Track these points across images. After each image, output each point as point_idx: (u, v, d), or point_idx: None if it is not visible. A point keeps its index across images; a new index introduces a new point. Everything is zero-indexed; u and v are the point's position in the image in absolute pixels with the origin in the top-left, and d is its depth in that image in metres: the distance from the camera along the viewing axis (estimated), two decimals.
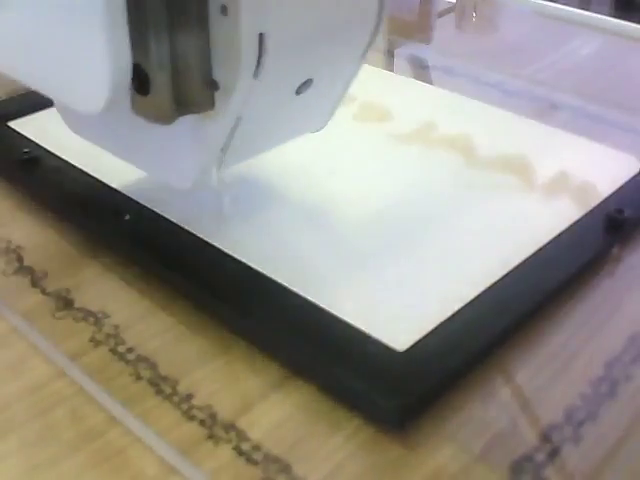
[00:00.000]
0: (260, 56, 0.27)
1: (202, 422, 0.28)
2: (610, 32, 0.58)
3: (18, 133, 0.44)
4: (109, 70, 0.26)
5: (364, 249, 0.35)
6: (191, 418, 0.28)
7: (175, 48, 0.26)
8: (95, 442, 0.27)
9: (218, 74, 0.27)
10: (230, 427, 0.27)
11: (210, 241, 0.35)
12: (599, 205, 0.37)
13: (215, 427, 0.27)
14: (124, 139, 0.34)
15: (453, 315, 0.30)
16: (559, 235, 0.35)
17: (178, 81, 0.27)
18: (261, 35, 0.27)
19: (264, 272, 0.33)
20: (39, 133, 0.43)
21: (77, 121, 0.36)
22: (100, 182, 0.39)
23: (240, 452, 0.26)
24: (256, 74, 0.27)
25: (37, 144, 0.42)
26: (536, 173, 0.40)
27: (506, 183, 0.39)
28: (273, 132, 0.33)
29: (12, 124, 0.45)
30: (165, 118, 0.27)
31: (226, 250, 0.34)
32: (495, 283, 0.32)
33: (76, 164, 0.40)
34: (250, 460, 0.26)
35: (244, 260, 0.33)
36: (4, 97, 0.49)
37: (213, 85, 0.27)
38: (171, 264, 0.34)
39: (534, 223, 0.36)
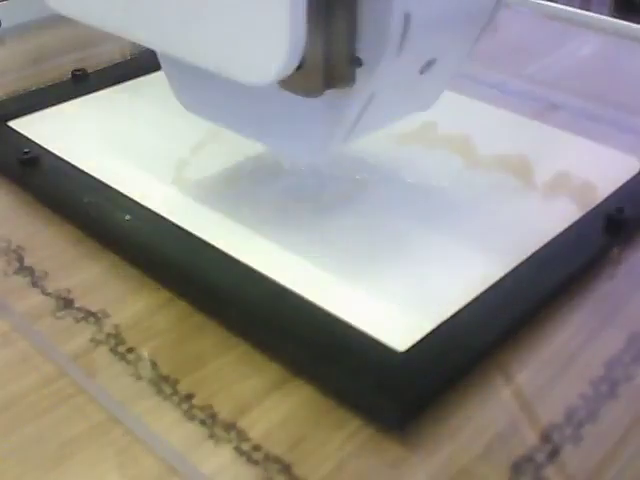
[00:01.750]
0: (404, 35, 0.28)
1: (202, 422, 0.28)
2: (610, 32, 0.58)
3: (18, 133, 0.44)
4: (288, 41, 0.26)
5: (363, 249, 0.35)
6: (191, 418, 0.28)
7: (327, 25, 0.28)
8: (95, 442, 0.27)
9: (362, 51, 0.29)
10: (230, 427, 0.27)
11: (210, 241, 0.35)
12: (599, 205, 0.37)
13: (215, 427, 0.27)
14: (247, 115, 0.35)
15: (453, 315, 0.30)
16: (559, 235, 0.35)
17: (326, 57, 0.28)
18: (407, 15, 0.28)
19: (264, 273, 0.33)
20: (39, 133, 0.43)
21: (192, 97, 0.37)
22: (100, 182, 0.39)
23: (240, 452, 0.26)
24: (398, 53, 0.29)
25: (37, 144, 0.42)
26: (536, 173, 0.40)
27: (506, 183, 0.39)
28: (395, 109, 0.35)
29: (12, 124, 0.45)
30: (314, 92, 0.29)
31: (226, 250, 0.34)
32: (495, 283, 0.32)
33: (76, 164, 0.40)
34: (250, 460, 0.26)
35: (244, 261, 0.33)
36: (4, 97, 0.49)
37: (357, 62, 0.29)
38: (171, 264, 0.34)
39: (534, 223, 0.36)
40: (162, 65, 0.37)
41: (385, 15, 0.27)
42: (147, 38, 0.32)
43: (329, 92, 0.29)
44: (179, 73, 0.37)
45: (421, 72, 0.32)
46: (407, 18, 0.28)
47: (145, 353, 0.30)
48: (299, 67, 0.28)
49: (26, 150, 0.41)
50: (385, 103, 0.32)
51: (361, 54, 0.29)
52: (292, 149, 0.35)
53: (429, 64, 0.32)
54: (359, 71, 0.29)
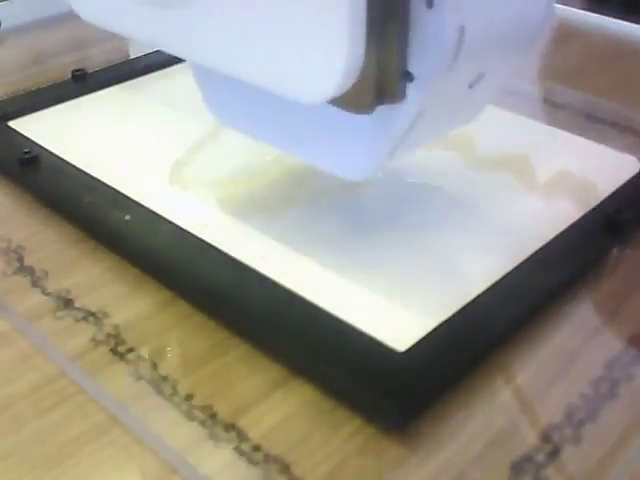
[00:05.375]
0: (459, 49, 0.27)
1: (202, 422, 0.28)
2: (610, 32, 0.58)
3: (18, 133, 0.44)
4: (346, 59, 0.25)
5: (364, 249, 0.35)
6: (191, 418, 0.28)
7: (380, 39, 0.26)
8: (95, 442, 0.27)
9: (414, 66, 0.27)
10: (230, 427, 0.27)
11: (210, 242, 0.35)
12: (599, 205, 0.37)
13: (215, 427, 0.27)
14: (286, 130, 0.33)
15: (453, 315, 0.30)
16: (559, 235, 0.35)
17: (377, 72, 0.27)
18: (461, 28, 0.27)
19: (264, 273, 0.33)
20: (39, 133, 0.43)
21: (226, 108, 0.36)
22: (100, 182, 0.39)
23: (240, 452, 0.26)
24: (451, 67, 0.28)
25: (37, 144, 0.42)
26: (536, 173, 0.40)
27: (506, 183, 0.39)
28: (442, 124, 0.34)
29: (12, 124, 0.45)
30: (365, 108, 0.28)
31: (226, 251, 0.34)
32: (495, 283, 0.32)
33: (76, 164, 0.41)
34: (250, 460, 0.26)
35: (244, 261, 0.33)
36: (4, 97, 0.49)
37: (409, 77, 0.28)
38: (171, 264, 0.34)
39: (534, 223, 0.36)
40: (193, 75, 0.36)
41: (439, 28, 0.26)
42: (193, 54, 0.31)
43: (378, 108, 0.28)
44: (212, 84, 0.35)
45: (470, 86, 0.31)
46: (461, 31, 0.27)
47: (145, 353, 0.30)
48: None
49: (26, 150, 0.41)
50: (433, 118, 0.31)
51: (413, 69, 0.27)
52: (335, 166, 0.33)
53: (478, 78, 0.31)
54: (410, 86, 0.28)
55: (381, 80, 0.27)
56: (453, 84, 0.30)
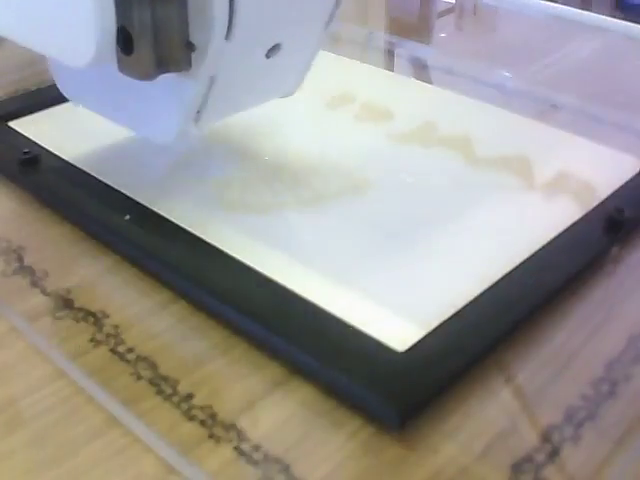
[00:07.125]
0: (230, 20, 0.30)
1: (202, 422, 0.28)
2: (610, 32, 0.58)
3: (18, 133, 0.44)
4: (95, 29, 0.29)
5: (363, 249, 0.35)
6: (191, 418, 0.28)
7: (156, 12, 0.29)
8: (95, 442, 0.27)
9: (195, 36, 0.30)
10: (230, 427, 0.27)
11: (210, 241, 0.35)
12: (599, 205, 0.37)
13: (215, 427, 0.27)
14: (111, 99, 0.37)
15: (453, 315, 0.30)
16: (559, 235, 0.35)
17: (159, 42, 0.30)
18: (231, 1, 0.30)
19: (264, 272, 0.33)
20: (39, 133, 0.43)
21: (70, 85, 0.40)
22: (100, 182, 0.39)
23: (240, 452, 0.26)
24: (227, 36, 0.31)
25: (37, 144, 0.42)
26: (536, 173, 0.40)
27: (506, 183, 0.39)
28: (246, 93, 0.37)
29: (12, 124, 0.45)
30: (147, 75, 0.30)
31: (226, 250, 0.34)
32: (495, 283, 0.32)
33: (76, 164, 0.41)
34: (250, 460, 0.26)
35: (244, 260, 0.33)
36: (4, 97, 0.49)
37: (190, 46, 0.30)
38: (171, 264, 0.34)
39: (534, 223, 0.36)
40: (48, 59, 0.39)
41: (208, 2, 0.29)
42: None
43: (171, 76, 0.31)
44: (60, 65, 0.39)
45: (268, 57, 0.34)
46: (232, 4, 0.30)
47: (145, 353, 0.30)
48: (131, 52, 0.30)
49: (26, 150, 0.41)
50: (234, 87, 0.34)
51: (193, 39, 0.30)
52: (149, 132, 0.36)
53: (275, 49, 0.34)
54: (194, 55, 0.31)
55: (162, 49, 0.30)
56: (244, 53, 0.33)
